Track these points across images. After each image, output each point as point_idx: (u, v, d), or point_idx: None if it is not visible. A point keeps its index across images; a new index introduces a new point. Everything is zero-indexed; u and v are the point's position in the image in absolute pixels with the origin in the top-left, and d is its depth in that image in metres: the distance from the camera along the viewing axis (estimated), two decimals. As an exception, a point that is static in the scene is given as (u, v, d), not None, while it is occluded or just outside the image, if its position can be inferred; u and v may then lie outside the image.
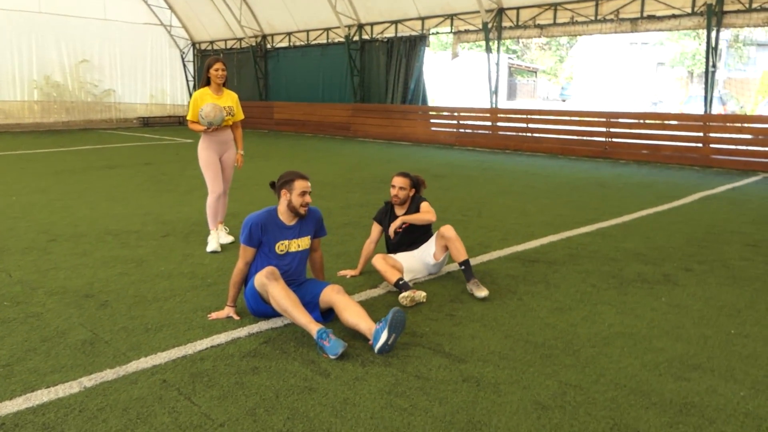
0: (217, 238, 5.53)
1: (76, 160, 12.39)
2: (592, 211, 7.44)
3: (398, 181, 4.68)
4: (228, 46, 23.33)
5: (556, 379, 3.06)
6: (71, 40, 21.59)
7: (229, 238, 5.71)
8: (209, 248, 5.44)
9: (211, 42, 23.92)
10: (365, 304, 4.05)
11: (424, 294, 4.15)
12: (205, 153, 5.49)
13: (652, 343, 3.52)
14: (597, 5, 13.82)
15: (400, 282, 4.26)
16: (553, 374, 3.11)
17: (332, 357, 3.22)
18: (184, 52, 24.65)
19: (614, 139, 13.86)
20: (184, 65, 24.87)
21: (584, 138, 14.36)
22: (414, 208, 4.72)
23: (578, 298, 4.28)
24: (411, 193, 4.72)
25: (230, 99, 5.50)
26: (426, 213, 4.62)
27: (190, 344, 3.41)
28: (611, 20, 13.75)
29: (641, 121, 13.97)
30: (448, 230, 4.50)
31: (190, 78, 24.90)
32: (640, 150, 13.41)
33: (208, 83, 5.39)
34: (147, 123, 23.73)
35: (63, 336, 3.52)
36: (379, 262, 4.40)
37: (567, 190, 9.15)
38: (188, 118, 5.41)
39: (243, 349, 3.36)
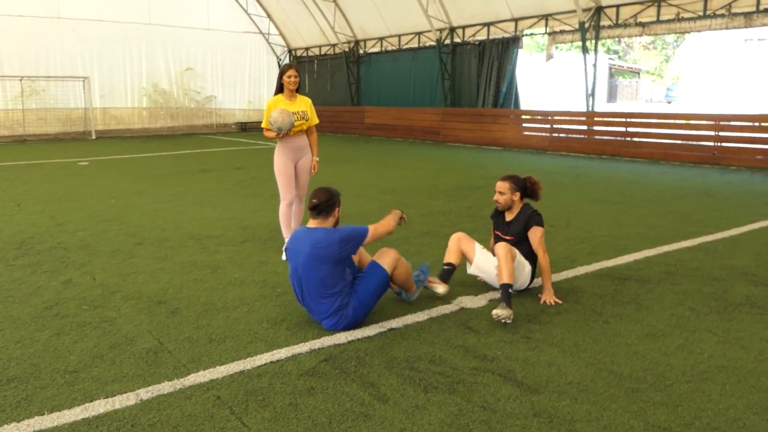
0: (292, 245, 5.48)
1: (174, 164, 12.93)
2: (695, 223, 6.81)
3: (498, 185, 4.46)
4: (322, 52, 23.74)
5: (642, 418, 2.71)
6: (177, 49, 22.77)
7: (305, 246, 5.64)
8: (284, 257, 5.38)
9: (306, 48, 24.44)
10: (435, 321, 3.83)
11: (444, 289, 4.22)
12: (279, 160, 5.47)
13: (760, 380, 3.07)
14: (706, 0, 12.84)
15: (445, 266, 4.34)
16: (639, 413, 2.76)
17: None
18: (280, 59, 25.34)
19: (724, 144, 12.82)
20: (281, 71, 25.58)
21: (690, 142, 13.40)
22: (524, 219, 4.39)
23: (674, 323, 3.85)
24: (515, 198, 4.43)
25: (303, 104, 5.44)
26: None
27: (250, 358, 3.32)
28: (722, 15, 12.70)
29: (756, 123, 12.79)
30: (498, 249, 4.08)
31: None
32: (754, 155, 12.30)
33: (281, 90, 5.37)
34: (244, 128, 24.59)
35: (130, 343, 3.54)
36: (453, 239, 4.48)
37: (668, 199, 8.48)
38: (262, 125, 5.42)
39: (302, 367, 3.23)
